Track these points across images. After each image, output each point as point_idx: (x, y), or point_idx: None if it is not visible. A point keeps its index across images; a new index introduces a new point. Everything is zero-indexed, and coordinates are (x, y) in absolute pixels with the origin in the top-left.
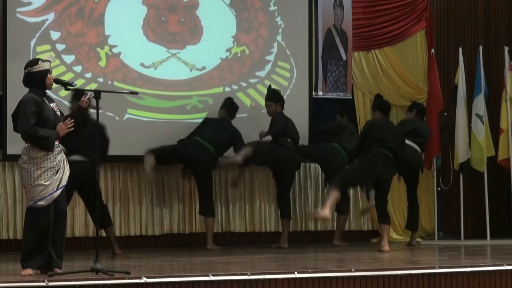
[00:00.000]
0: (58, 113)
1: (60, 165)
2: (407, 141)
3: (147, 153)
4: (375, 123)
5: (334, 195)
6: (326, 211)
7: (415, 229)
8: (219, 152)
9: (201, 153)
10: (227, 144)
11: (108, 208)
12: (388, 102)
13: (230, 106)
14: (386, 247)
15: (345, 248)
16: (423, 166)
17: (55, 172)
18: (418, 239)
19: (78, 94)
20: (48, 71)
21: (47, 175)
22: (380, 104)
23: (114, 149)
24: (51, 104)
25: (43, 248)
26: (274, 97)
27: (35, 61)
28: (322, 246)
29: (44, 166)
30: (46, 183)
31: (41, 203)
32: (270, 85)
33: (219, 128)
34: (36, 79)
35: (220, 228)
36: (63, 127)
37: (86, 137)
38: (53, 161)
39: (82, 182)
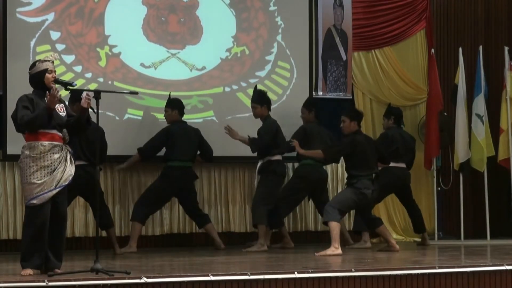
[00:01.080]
0: (63, 113)
1: (57, 164)
2: (390, 164)
3: (135, 223)
4: (357, 144)
5: (338, 228)
6: (340, 250)
7: (423, 230)
8: (194, 160)
9: (188, 176)
10: (197, 151)
11: (109, 209)
12: (360, 111)
13: (181, 107)
14: (396, 246)
15: (345, 248)
16: (410, 182)
17: (51, 171)
18: (417, 239)
19: (75, 96)
20: (45, 71)
21: (41, 173)
22: (357, 115)
23: (114, 149)
24: (56, 105)
25: (40, 247)
26: (259, 99)
27: (33, 63)
28: (322, 246)
29: (37, 165)
30: (38, 182)
31: (34, 201)
32: (255, 86)
33: (188, 139)
34: (35, 81)
35: (220, 228)
36: (50, 98)
37: (86, 140)
38: (47, 160)
39: (84, 186)
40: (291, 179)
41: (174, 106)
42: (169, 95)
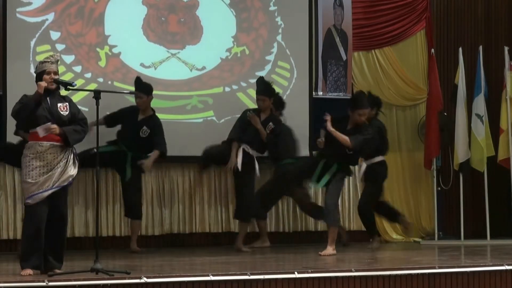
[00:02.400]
0: (66, 112)
1: (56, 164)
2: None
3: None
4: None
5: (335, 231)
6: (332, 249)
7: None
8: None
9: None
10: None
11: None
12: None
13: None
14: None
15: (345, 248)
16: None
17: (46, 171)
18: (417, 239)
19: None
20: (43, 72)
21: (35, 173)
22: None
23: None
24: (59, 104)
25: (37, 247)
26: (267, 90)
27: (37, 65)
28: (322, 246)
29: (32, 164)
30: (32, 181)
31: (29, 201)
32: (261, 77)
33: None
34: (37, 82)
35: (220, 228)
36: (39, 83)
37: None
38: (43, 160)
39: None
40: (273, 177)
41: (150, 91)
42: (138, 78)
